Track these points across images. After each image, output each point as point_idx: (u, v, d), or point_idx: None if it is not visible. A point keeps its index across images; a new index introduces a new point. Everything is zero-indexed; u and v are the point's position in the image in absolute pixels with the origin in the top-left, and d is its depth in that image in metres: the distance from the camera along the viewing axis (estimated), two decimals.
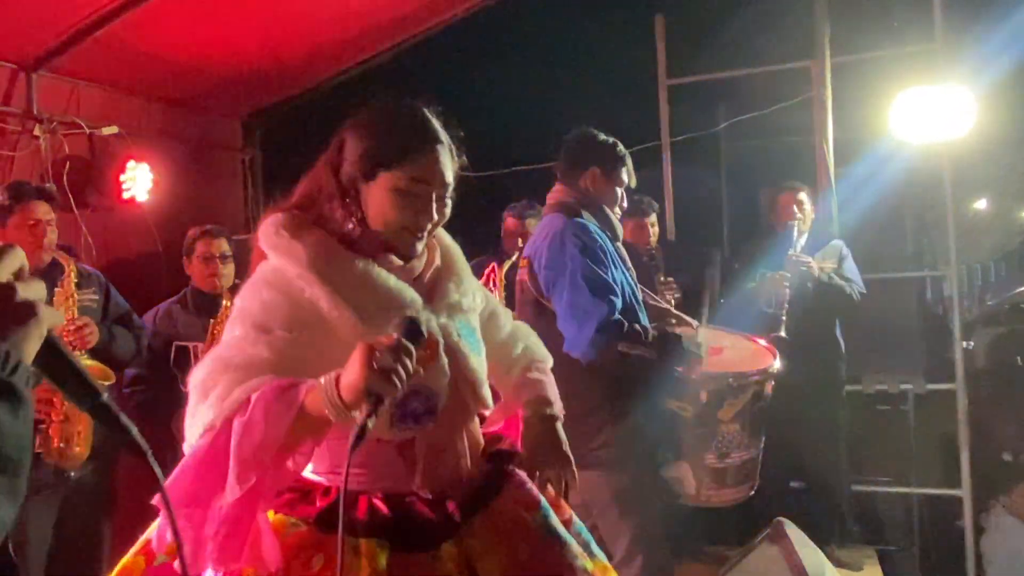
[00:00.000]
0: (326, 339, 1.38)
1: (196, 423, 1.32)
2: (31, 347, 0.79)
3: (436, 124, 1.51)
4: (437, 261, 1.60)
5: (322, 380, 1.24)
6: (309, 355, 1.36)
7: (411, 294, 1.47)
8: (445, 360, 1.45)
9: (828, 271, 3.88)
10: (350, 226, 1.47)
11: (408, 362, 1.21)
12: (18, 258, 0.82)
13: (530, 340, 1.82)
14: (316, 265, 1.41)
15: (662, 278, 4.29)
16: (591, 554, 1.61)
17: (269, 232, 1.47)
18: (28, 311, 0.79)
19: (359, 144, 1.48)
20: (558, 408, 1.73)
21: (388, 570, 1.33)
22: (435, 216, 1.49)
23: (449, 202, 1.52)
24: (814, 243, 4.03)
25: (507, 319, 1.80)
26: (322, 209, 1.49)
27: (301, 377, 1.28)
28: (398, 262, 1.50)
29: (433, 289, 1.55)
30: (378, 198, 1.46)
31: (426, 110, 1.52)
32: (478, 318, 1.65)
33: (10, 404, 0.73)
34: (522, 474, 1.60)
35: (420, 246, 1.52)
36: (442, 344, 1.46)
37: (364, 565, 1.32)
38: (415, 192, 1.46)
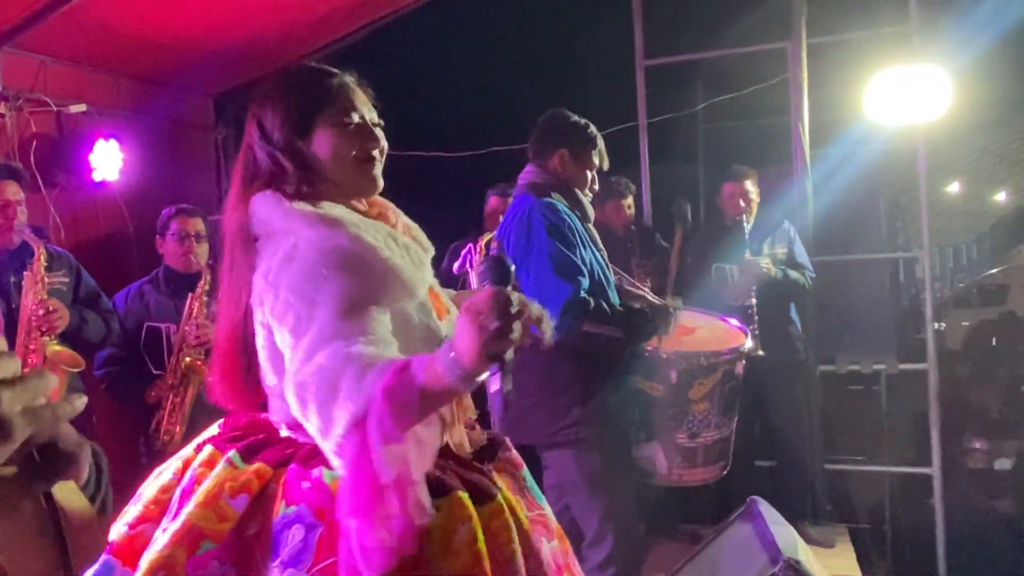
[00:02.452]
0: (401, 291, 1.41)
1: (328, 428, 1.21)
2: None
3: (332, 69, 1.58)
4: (402, 223, 1.63)
5: (439, 356, 1.16)
6: (402, 318, 1.39)
7: (418, 233, 1.57)
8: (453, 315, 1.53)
9: (780, 258, 3.92)
10: (305, 188, 1.49)
11: (515, 309, 1.12)
12: (11, 367, 0.73)
13: None
14: (356, 225, 1.42)
15: (638, 260, 4.30)
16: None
17: (277, 207, 1.43)
18: (4, 431, 0.71)
19: (279, 110, 1.52)
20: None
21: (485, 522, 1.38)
22: (381, 140, 1.56)
23: (381, 132, 1.58)
24: (764, 227, 4.05)
25: None
26: (275, 183, 1.49)
27: (407, 344, 1.31)
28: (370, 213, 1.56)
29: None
30: (324, 144, 1.51)
31: (318, 63, 1.61)
32: None
33: None
34: (506, 439, 1.66)
35: (379, 175, 1.56)
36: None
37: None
38: (352, 122, 1.52)
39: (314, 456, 1.35)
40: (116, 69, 4.20)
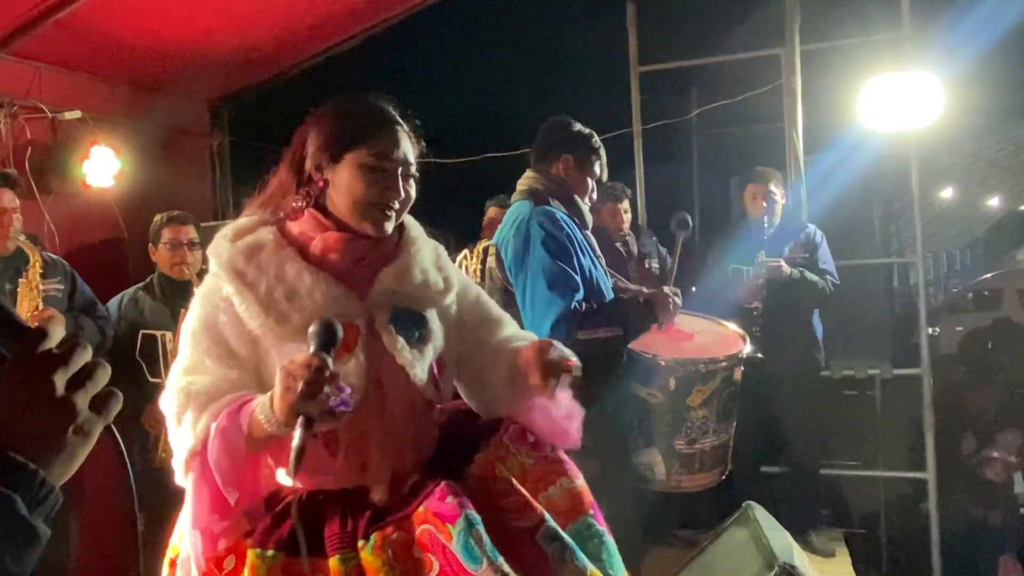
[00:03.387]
0: (254, 342, 1.50)
1: (178, 451, 1.45)
2: (72, 470, 0.73)
3: (392, 109, 1.60)
4: (389, 248, 1.62)
5: (255, 404, 1.36)
6: (250, 363, 1.50)
7: (323, 290, 1.50)
8: (363, 352, 1.50)
9: (798, 261, 3.91)
10: (300, 205, 1.54)
11: (326, 374, 1.29)
12: (86, 355, 0.74)
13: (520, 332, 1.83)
14: (233, 263, 1.50)
15: (647, 264, 4.31)
16: (565, 562, 1.58)
17: (216, 236, 1.57)
18: (84, 435, 0.72)
19: (322, 133, 1.56)
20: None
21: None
22: (402, 193, 1.56)
23: (414, 183, 1.60)
24: (786, 231, 4.05)
25: (496, 308, 1.81)
26: (279, 204, 1.57)
27: (251, 386, 1.46)
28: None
29: (372, 278, 1.57)
30: (346, 177, 1.53)
31: (381, 99, 1.61)
32: (440, 308, 1.65)
33: (15, 550, 0.66)
34: (450, 485, 1.47)
35: (390, 225, 1.56)
36: (362, 333, 1.51)
37: None
38: (380, 168, 1.53)
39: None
40: (111, 76, 4.20)
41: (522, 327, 2.52)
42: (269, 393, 1.34)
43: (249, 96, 5.03)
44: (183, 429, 1.42)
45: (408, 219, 1.67)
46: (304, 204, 1.55)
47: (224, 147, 5.09)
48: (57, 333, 0.73)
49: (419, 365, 1.54)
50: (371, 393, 1.49)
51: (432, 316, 1.62)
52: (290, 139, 1.62)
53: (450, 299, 1.67)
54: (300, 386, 1.27)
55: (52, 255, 3.18)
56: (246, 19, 4.06)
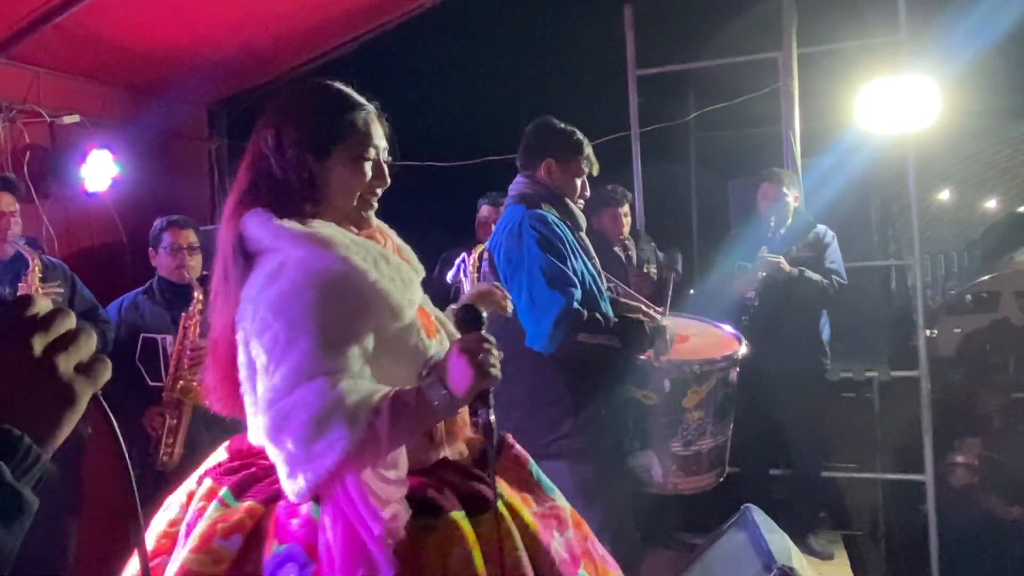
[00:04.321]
0: (387, 314, 1.42)
1: (320, 458, 1.28)
2: (61, 436, 0.71)
3: (363, 99, 1.57)
4: (392, 243, 1.65)
5: (430, 392, 1.32)
6: (387, 340, 1.43)
7: (409, 254, 1.58)
8: (443, 334, 1.57)
9: (802, 260, 3.91)
10: (308, 207, 1.49)
11: (495, 350, 1.34)
12: (68, 322, 0.73)
13: None
14: (346, 246, 1.42)
15: (645, 269, 4.32)
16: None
17: (266, 224, 1.43)
18: (69, 395, 0.71)
19: (301, 126, 1.50)
20: None
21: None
22: (387, 179, 1.57)
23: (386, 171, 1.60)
24: (795, 231, 4.05)
25: None
26: (282, 201, 1.47)
27: (392, 364, 1.42)
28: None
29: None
30: (339, 172, 1.51)
31: (338, 83, 1.59)
32: None
33: (3, 518, 0.65)
34: (508, 436, 1.66)
35: (372, 213, 1.58)
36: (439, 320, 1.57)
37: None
38: (369, 157, 1.53)
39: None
40: (109, 80, 4.20)
41: (523, 330, 2.53)
42: (432, 376, 1.34)
43: (247, 99, 5.04)
44: (329, 436, 1.28)
45: None
46: (304, 206, 1.48)
47: (223, 151, 5.09)
48: (43, 304, 0.72)
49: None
50: None
51: None
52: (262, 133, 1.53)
53: None
54: (482, 358, 1.31)
55: (52, 259, 3.18)
56: (244, 23, 4.06)
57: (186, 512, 1.44)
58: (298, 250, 1.39)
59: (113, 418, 0.78)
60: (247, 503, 1.38)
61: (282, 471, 1.31)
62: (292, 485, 1.30)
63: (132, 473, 0.80)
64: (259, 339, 1.35)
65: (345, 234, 1.47)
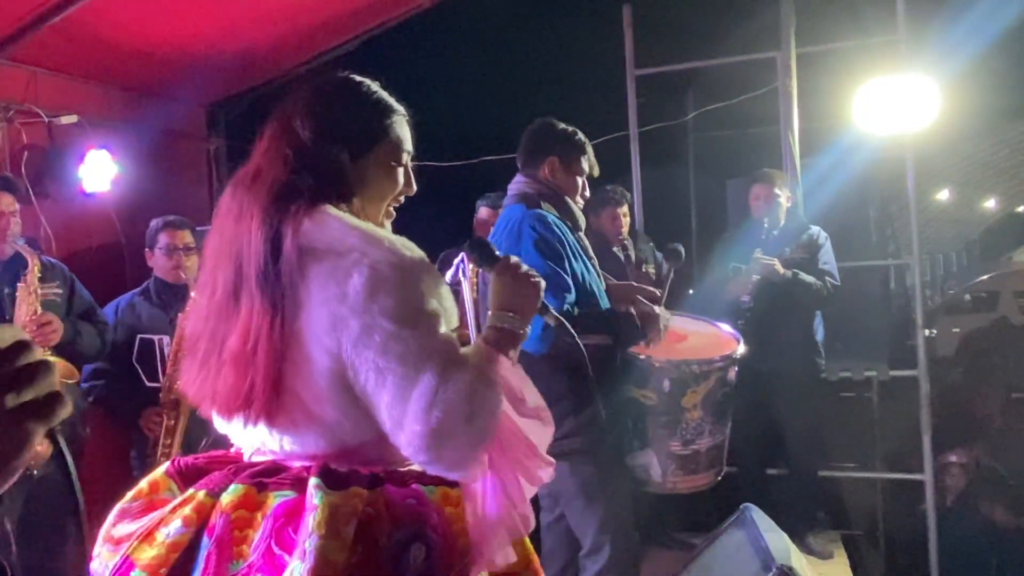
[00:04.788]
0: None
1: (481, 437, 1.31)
2: (10, 476, 0.69)
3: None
4: None
5: (498, 322, 1.44)
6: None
7: None
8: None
9: (795, 261, 3.92)
10: (345, 207, 1.41)
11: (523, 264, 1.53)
12: (28, 356, 0.70)
13: None
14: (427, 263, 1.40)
15: (644, 269, 4.32)
16: None
17: (347, 228, 1.34)
18: (16, 438, 0.68)
19: (340, 121, 1.44)
20: None
21: None
22: (414, 186, 1.56)
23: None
24: (789, 233, 4.06)
25: None
26: (317, 196, 1.38)
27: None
28: None
29: None
30: (373, 174, 1.47)
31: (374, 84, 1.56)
32: None
33: None
34: None
35: (389, 222, 1.55)
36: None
37: None
38: (403, 163, 1.52)
39: (401, 475, 1.39)
40: (107, 80, 4.20)
41: None
42: (493, 316, 1.45)
43: (246, 100, 5.04)
44: (476, 423, 1.28)
45: None
46: (345, 202, 1.41)
47: (221, 151, 5.09)
48: (7, 335, 0.70)
49: None
50: None
51: None
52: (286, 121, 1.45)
53: None
54: (535, 278, 1.49)
55: (51, 259, 3.18)
56: (243, 24, 4.06)
57: (198, 531, 1.31)
58: (378, 251, 1.31)
59: (68, 453, 0.79)
60: (352, 488, 1.30)
61: (455, 459, 1.29)
62: (473, 468, 1.31)
63: (80, 499, 0.81)
64: (382, 352, 1.27)
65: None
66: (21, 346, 0.70)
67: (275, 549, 1.27)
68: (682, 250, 2.97)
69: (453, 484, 1.38)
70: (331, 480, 1.31)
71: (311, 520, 1.25)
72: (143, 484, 1.47)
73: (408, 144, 1.53)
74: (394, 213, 1.55)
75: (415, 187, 1.55)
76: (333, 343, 1.30)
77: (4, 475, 0.68)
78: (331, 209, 1.37)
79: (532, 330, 2.43)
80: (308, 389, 1.34)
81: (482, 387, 1.30)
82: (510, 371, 1.40)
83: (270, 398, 1.34)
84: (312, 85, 1.50)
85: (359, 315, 1.27)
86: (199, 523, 1.32)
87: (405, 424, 1.26)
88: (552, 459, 1.47)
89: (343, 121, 1.44)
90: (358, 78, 1.53)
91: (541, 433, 1.44)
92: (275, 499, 1.31)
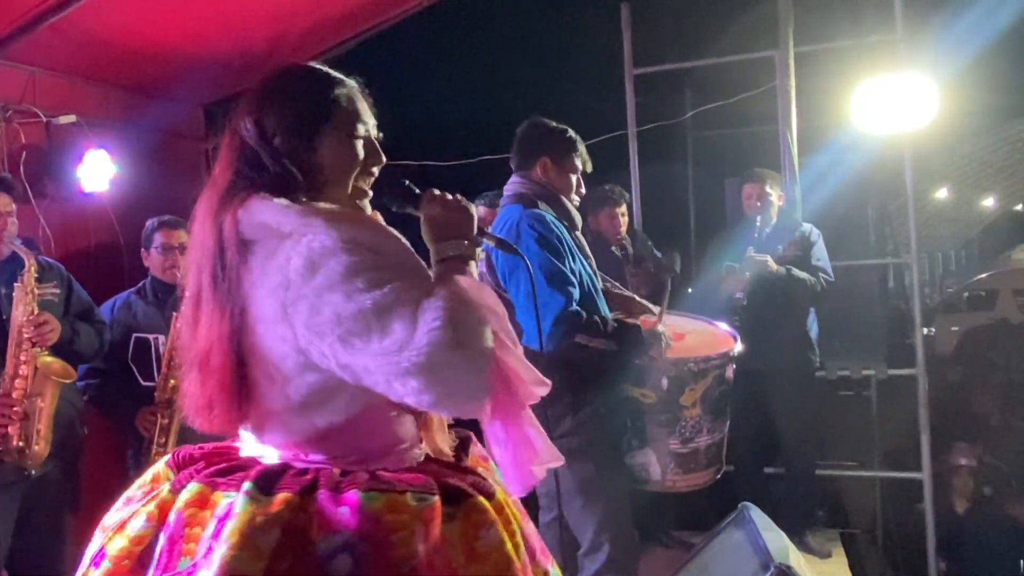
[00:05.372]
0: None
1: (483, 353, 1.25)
2: None
3: (337, 73, 1.54)
4: None
5: (444, 252, 1.43)
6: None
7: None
8: None
9: (789, 263, 3.93)
10: (304, 197, 1.41)
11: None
12: None
13: None
14: (372, 220, 1.46)
15: (632, 268, 4.32)
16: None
17: (288, 209, 1.35)
18: None
19: (282, 111, 1.44)
20: None
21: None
22: (381, 156, 1.53)
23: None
24: (781, 231, 4.07)
25: None
26: (276, 192, 1.39)
27: None
28: None
29: None
30: (332, 152, 1.45)
31: (322, 66, 1.55)
32: None
33: None
34: (469, 435, 1.62)
35: (367, 200, 1.53)
36: None
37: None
38: (359, 135, 1.49)
39: (339, 480, 1.33)
40: (106, 80, 4.19)
41: (520, 330, 2.53)
42: (440, 246, 1.44)
43: None
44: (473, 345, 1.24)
45: None
46: (297, 192, 1.41)
47: (219, 151, 5.08)
48: None
49: None
50: None
51: None
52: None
53: None
54: (463, 202, 1.49)
55: (48, 259, 3.18)
56: (241, 23, 4.06)
57: (160, 525, 1.32)
58: (313, 229, 1.31)
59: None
60: (280, 495, 1.29)
61: (459, 391, 1.23)
62: (481, 397, 1.24)
63: None
64: (338, 322, 1.24)
65: (359, 212, 1.49)
66: None
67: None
68: (678, 261, 2.98)
69: (403, 491, 1.30)
70: (263, 485, 1.30)
71: (226, 528, 1.24)
72: (147, 474, 1.51)
73: (364, 115, 1.50)
74: (367, 189, 1.52)
75: (383, 157, 1.53)
76: (287, 331, 1.30)
77: None
78: (267, 197, 1.37)
79: (541, 325, 2.44)
80: (272, 381, 1.35)
81: (459, 308, 1.23)
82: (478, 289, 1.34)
83: (230, 402, 1.37)
84: (256, 84, 1.51)
85: (305, 297, 1.26)
86: (160, 519, 1.33)
87: (393, 379, 1.22)
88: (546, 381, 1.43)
89: (282, 111, 1.44)
90: (300, 64, 1.54)
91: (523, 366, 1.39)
92: (223, 499, 1.31)
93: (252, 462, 1.42)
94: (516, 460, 1.42)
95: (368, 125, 1.51)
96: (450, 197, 1.49)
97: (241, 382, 1.37)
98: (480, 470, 1.51)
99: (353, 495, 1.29)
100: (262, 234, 1.34)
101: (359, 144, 1.49)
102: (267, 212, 1.35)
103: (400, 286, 1.25)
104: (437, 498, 1.31)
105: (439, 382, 1.20)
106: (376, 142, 1.53)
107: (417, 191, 1.52)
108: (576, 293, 2.53)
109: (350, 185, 1.49)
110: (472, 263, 1.44)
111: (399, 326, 1.20)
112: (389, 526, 1.26)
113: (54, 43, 3.63)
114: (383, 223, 1.48)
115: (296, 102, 1.45)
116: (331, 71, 1.52)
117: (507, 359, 1.32)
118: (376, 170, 1.53)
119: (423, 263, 1.42)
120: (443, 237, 1.45)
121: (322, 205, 1.39)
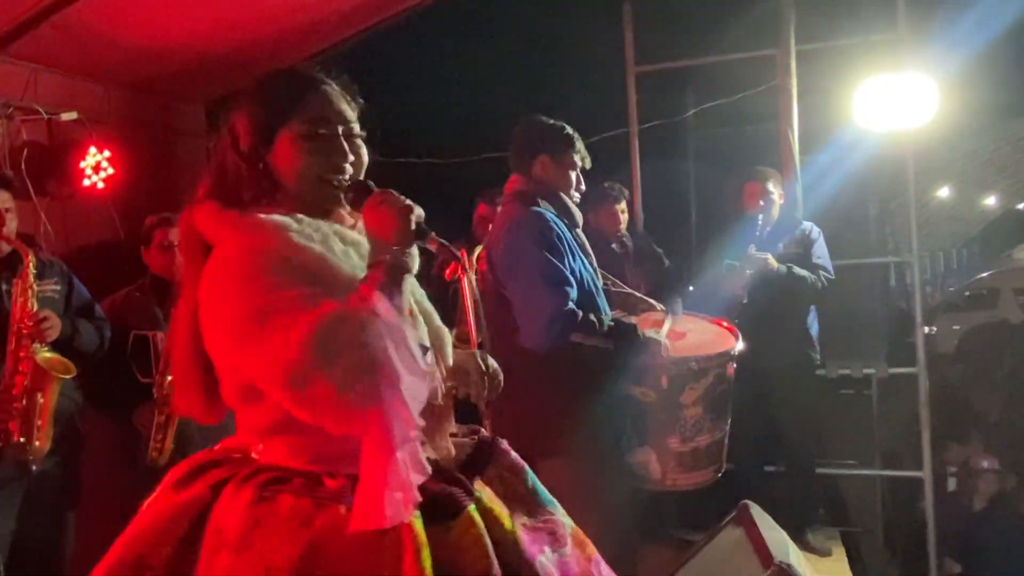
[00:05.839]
0: (332, 292, 1.34)
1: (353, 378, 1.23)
2: None
3: (315, 71, 1.52)
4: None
5: (375, 255, 1.36)
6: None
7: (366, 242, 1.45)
8: (421, 319, 1.49)
9: (790, 261, 3.92)
10: (264, 200, 1.45)
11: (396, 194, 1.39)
12: None
13: None
14: (293, 228, 1.39)
15: (632, 266, 4.32)
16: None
17: (213, 218, 1.42)
18: None
19: (248, 117, 1.47)
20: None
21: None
22: (349, 155, 1.47)
23: (361, 143, 1.51)
24: (782, 229, 4.07)
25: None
26: (237, 195, 1.45)
27: None
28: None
29: None
30: (285, 156, 1.45)
31: (304, 65, 1.55)
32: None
33: None
34: (504, 443, 1.59)
35: (340, 195, 1.46)
36: (413, 306, 1.47)
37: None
38: (317, 134, 1.45)
39: (250, 478, 1.36)
40: (107, 77, 4.19)
41: (514, 327, 2.53)
42: (373, 248, 1.38)
43: None
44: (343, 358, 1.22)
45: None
46: (260, 198, 1.45)
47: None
48: None
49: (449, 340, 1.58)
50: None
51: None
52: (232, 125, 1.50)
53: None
54: (405, 203, 1.37)
55: (49, 256, 3.18)
56: (242, 20, 4.06)
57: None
58: (236, 235, 1.38)
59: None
60: (196, 486, 1.39)
61: (325, 405, 1.23)
62: (350, 412, 1.23)
63: None
64: (232, 330, 1.30)
65: (293, 217, 1.41)
66: None
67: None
68: (679, 305, 2.97)
69: (301, 495, 1.31)
70: (184, 478, 1.42)
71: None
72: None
73: (327, 110, 1.47)
74: (341, 189, 1.46)
75: (352, 155, 1.47)
76: (210, 337, 1.37)
77: None
78: (211, 205, 1.43)
79: (537, 327, 2.41)
80: (221, 377, 1.42)
81: (339, 325, 1.23)
82: (389, 308, 1.29)
83: (194, 395, 1.47)
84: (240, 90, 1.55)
85: (207, 300, 1.35)
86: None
87: (276, 387, 1.26)
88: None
89: (248, 114, 1.47)
90: (274, 68, 1.54)
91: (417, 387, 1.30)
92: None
93: (227, 456, 1.47)
94: (364, 491, 1.26)
95: (333, 124, 1.47)
96: (394, 197, 1.39)
97: (202, 376, 1.45)
98: (485, 486, 1.47)
99: (248, 494, 1.32)
100: (203, 243, 1.43)
101: (316, 144, 1.45)
102: (205, 220, 1.43)
103: (293, 296, 1.28)
104: (343, 507, 1.29)
105: (303, 399, 1.23)
106: (352, 141, 1.49)
107: (372, 188, 1.44)
108: (573, 292, 2.53)
109: (314, 186, 1.46)
110: (400, 271, 1.34)
111: (278, 336, 1.24)
112: (266, 529, 1.29)
113: (55, 40, 3.63)
114: (335, 231, 1.44)
115: (260, 106, 1.47)
116: (309, 72, 1.51)
117: (388, 389, 1.24)
118: (349, 168, 1.47)
119: (345, 275, 1.38)
120: (374, 239, 1.38)
121: (255, 214, 1.40)
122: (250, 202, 1.44)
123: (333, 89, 1.50)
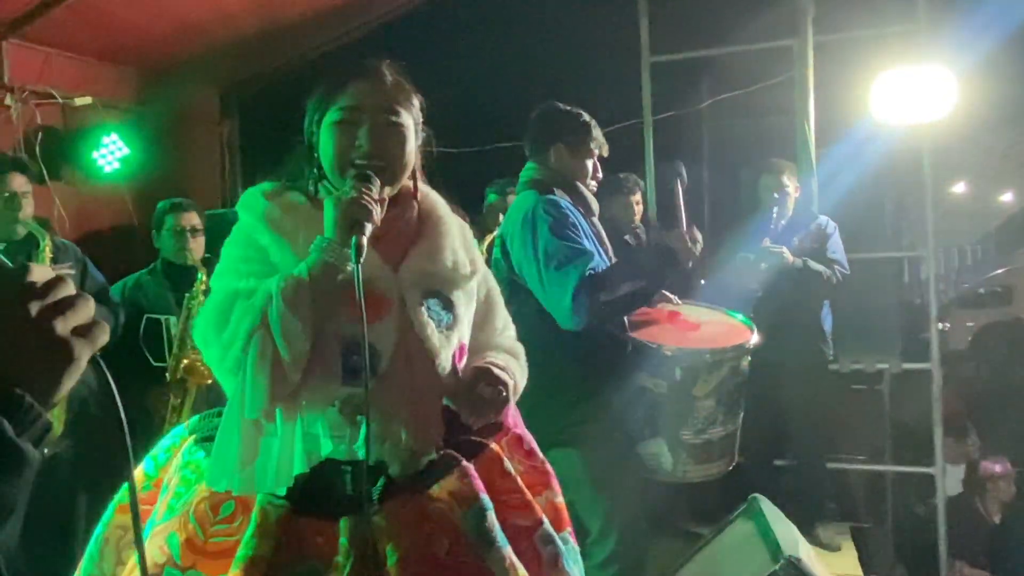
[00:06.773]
0: None
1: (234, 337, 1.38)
2: (60, 393, 0.74)
3: (377, 62, 1.53)
4: (412, 222, 1.59)
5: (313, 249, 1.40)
6: None
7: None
8: (394, 323, 1.46)
9: (805, 255, 3.89)
10: (311, 187, 1.55)
11: (370, 192, 1.41)
12: (66, 288, 0.77)
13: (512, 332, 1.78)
14: (269, 215, 1.48)
15: None
16: (557, 568, 1.49)
17: (248, 193, 1.56)
18: (66, 355, 0.73)
19: (311, 104, 1.55)
20: (506, 374, 1.60)
21: (278, 526, 1.37)
22: (366, 144, 1.47)
23: (406, 135, 1.52)
24: (797, 223, 4.04)
25: (502, 310, 1.77)
26: (292, 177, 1.60)
27: None
28: None
29: (402, 253, 1.53)
30: (323, 141, 1.52)
31: (376, 58, 1.55)
32: (467, 293, 1.59)
33: (5, 472, 0.69)
34: (469, 467, 1.49)
35: (375, 188, 1.44)
36: (395, 307, 1.46)
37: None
38: (349, 120, 1.48)
39: None
40: (122, 62, 4.20)
41: (533, 316, 2.51)
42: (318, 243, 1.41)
43: (260, 82, 5.03)
44: (237, 317, 1.38)
45: (432, 193, 1.65)
46: (314, 184, 1.56)
47: (234, 134, 5.08)
48: (40, 272, 0.76)
49: (444, 352, 1.50)
50: (400, 368, 1.45)
51: (459, 300, 1.56)
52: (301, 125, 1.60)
53: (475, 282, 1.62)
54: (350, 197, 1.39)
55: (63, 240, 3.19)
56: (259, 5, 4.05)
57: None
58: (244, 214, 1.53)
59: (111, 377, 0.83)
60: None
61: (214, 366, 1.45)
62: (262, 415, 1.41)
63: (126, 429, 0.86)
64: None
65: (288, 205, 1.51)
66: (57, 281, 0.76)
67: None
68: (683, 169, 2.93)
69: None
70: None
71: None
72: None
73: (362, 101, 1.48)
74: (364, 178, 1.44)
75: (366, 144, 1.47)
76: None
77: (53, 393, 0.74)
78: (264, 186, 1.56)
79: (564, 306, 2.39)
80: None
81: (241, 302, 1.38)
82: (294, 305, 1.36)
83: None
84: None
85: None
86: None
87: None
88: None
89: (313, 97, 1.55)
90: (350, 60, 1.63)
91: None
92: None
93: None
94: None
95: (362, 112, 1.48)
96: (354, 193, 1.41)
97: None
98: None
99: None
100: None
101: (342, 131, 1.48)
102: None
103: (251, 285, 1.41)
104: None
105: (238, 387, 1.37)
106: (380, 129, 1.48)
107: (366, 179, 1.46)
108: (592, 261, 2.45)
109: (339, 172, 1.50)
110: (339, 261, 1.38)
111: (228, 325, 1.38)
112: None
113: (70, 24, 3.64)
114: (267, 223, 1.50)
115: (315, 90, 1.55)
116: (366, 60, 1.54)
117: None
118: (379, 161, 1.47)
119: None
120: (343, 211, 1.41)
121: (276, 198, 1.53)
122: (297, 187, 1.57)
123: (382, 78, 1.51)
